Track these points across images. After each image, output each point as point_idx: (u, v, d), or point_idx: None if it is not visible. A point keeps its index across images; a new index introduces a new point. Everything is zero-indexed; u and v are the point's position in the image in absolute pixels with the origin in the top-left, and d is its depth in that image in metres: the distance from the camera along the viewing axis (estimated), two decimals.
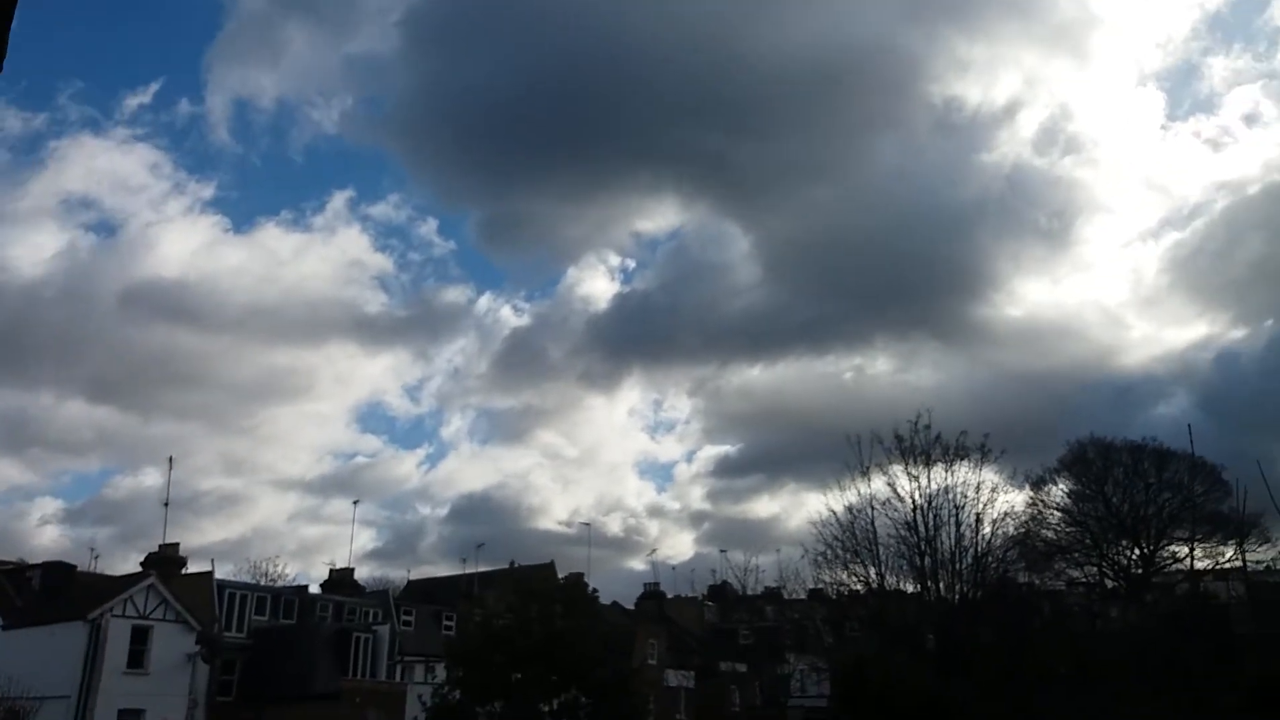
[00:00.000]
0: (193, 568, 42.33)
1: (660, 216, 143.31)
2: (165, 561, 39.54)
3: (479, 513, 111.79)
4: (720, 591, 71.47)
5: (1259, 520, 42.81)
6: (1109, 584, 50.24)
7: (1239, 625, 39.22)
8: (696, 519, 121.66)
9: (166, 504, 42.15)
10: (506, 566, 57.46)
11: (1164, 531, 49.35)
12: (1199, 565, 48.74)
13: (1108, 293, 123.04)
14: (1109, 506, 49.42)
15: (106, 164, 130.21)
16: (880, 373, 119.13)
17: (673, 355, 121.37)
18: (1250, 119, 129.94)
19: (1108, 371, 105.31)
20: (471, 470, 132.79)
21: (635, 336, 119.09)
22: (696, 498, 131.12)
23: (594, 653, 34.16)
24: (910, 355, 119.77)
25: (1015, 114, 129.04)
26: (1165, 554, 49.83)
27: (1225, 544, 47.69)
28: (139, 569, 40.08)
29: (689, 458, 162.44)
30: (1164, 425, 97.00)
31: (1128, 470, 49.29)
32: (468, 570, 57.03)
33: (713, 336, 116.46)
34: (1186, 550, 49.19)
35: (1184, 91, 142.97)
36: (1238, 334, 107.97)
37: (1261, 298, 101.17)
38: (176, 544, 41.58)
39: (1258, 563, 46.86)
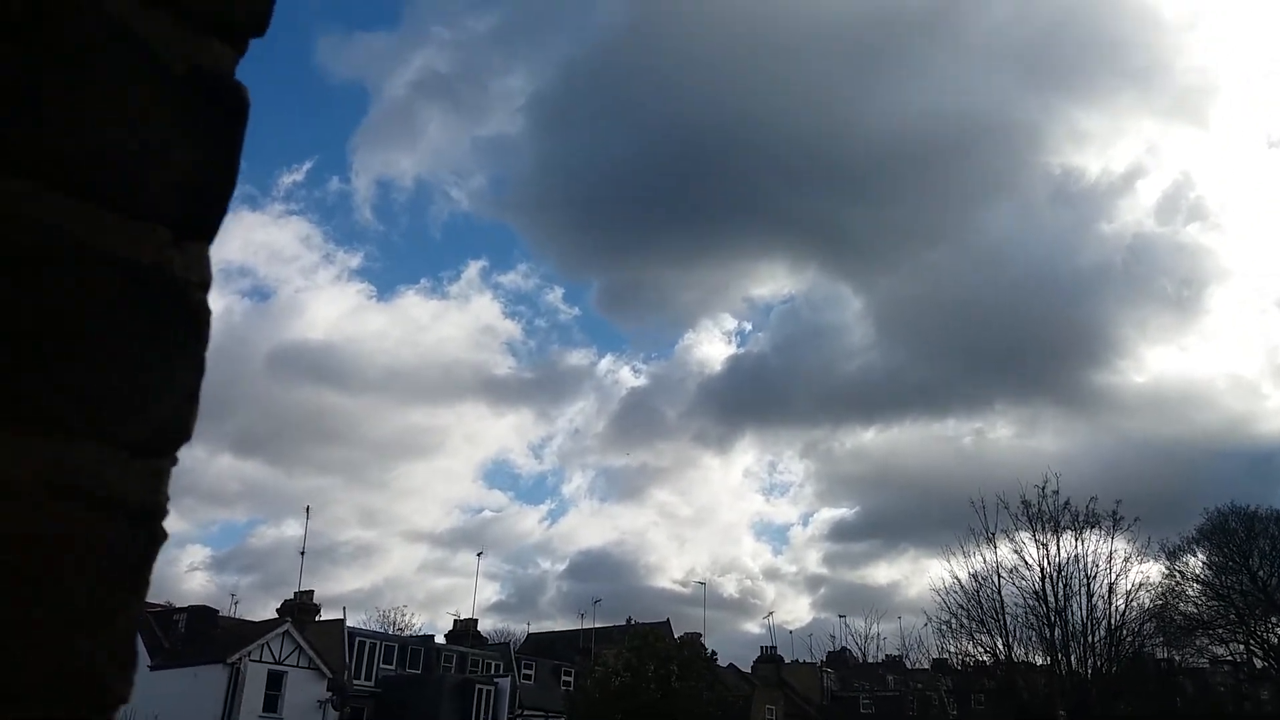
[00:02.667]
0: (326, 615, 44.11)
1: (772, 280, 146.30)
2: (300, 609, 41.33)
3: (597, 569, 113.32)
4: (839, 658, 69.98)
5: None
6: (1258, 663, 47.25)
7: None
8: (813, 583, 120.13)
9: (303, 552, 44.21)
10: (623, 623, 57.73)
11: None
12: None
13: (1239, 360, 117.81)
14: (1254, 580, 46.66)
15: (263, 236, 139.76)
16: (1000, 437, 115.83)
17: (786, 417, 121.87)
18: None
19: (1242, 440, 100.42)
20: (590, 527, 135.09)
21: (748, 398, 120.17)
22: (813, 561, 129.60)
23: (709, 714, 33.99)
24: (1032, 421, 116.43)
25: (1135, 182, 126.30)
26: None
27: None
28: (275, 615, 42.01)
29: (804, 520, 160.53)
30: None
31: (1274, 541, 46.58)
32: (585, 625, 57.58)
33: (826, 398, 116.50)
34: None
35: None
36: None
37: None
38: (311, 591, 43.46)
39: None
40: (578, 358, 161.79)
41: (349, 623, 43.92)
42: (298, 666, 38.52)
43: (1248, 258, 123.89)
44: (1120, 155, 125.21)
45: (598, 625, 56.71)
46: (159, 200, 0.93)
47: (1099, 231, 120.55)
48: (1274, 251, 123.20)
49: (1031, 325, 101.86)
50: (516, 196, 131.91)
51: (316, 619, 42.56)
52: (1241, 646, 47.88)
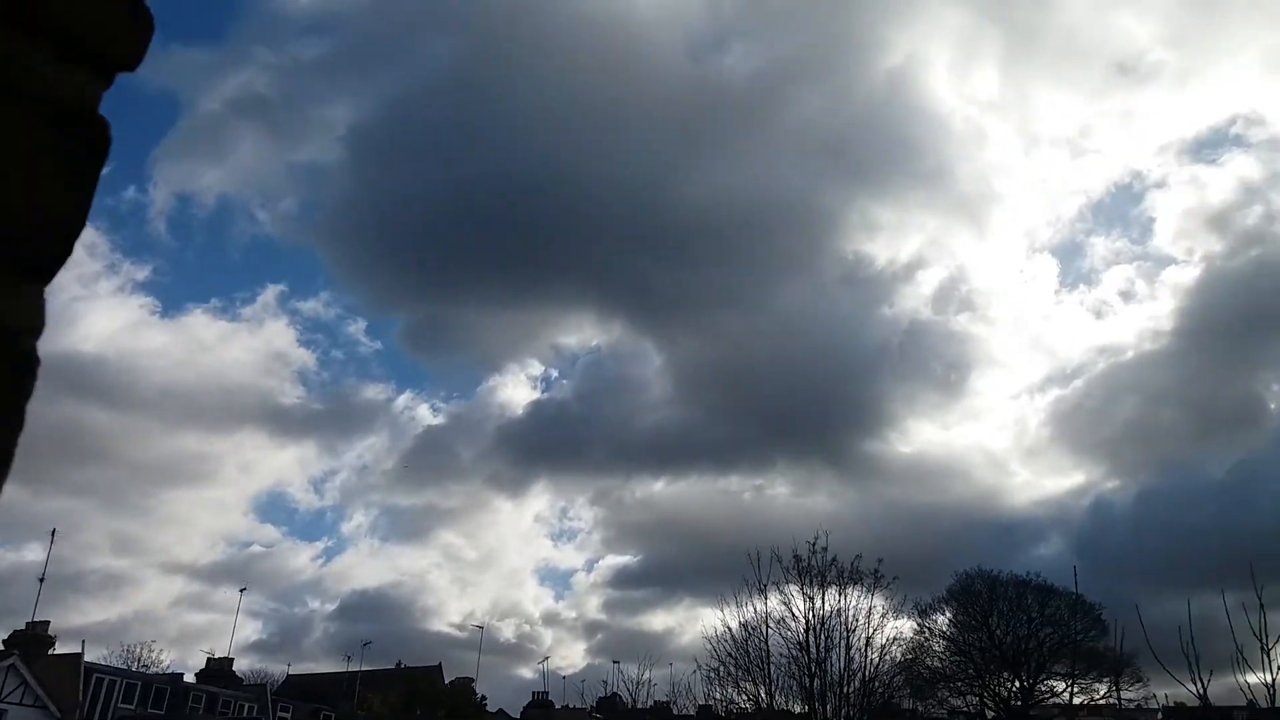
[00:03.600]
0: (62, 648, 40.15)
1: (580, 331, 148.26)
2: (32, 640, 37.47)
3: (370, 610, 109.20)
4: (609, 704, 70.20)
5: (1133, 660, 44.43)
6: (989, 714, 51.12)
7: None
8: (591, 629, 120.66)
9: (42, 579, 40.21)
10: (393, 667, 55.76)
11: (1043, 665, 50.66)
12: (1075, 700, 50.05)
13: (994, 440, 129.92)
14: (992, 638, 50.64)
15: None
16: (779, 494, 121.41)
17: (582, 465, 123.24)
18: (1126, 295, 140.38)
19: (992, 512, 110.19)
20: (368, 567, 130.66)
21: (547, 443, 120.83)
22: (593, 607, 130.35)
23: None
24: (808, 481, 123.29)
25: (916, 272, 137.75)
26: (1044, 687, 51.08)
27: (1100, 680, 49.17)
28: (0, 647, 37.88)
29: (589, 566, 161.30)
30: (1042, 565, 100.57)
31: (1012, 603, 50.78)
32: (351, 668, 55.16)
33: (621, 449, 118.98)
34: (1064, 685, 50.54)
35: (1070, 265, 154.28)
36: (1111, 485, 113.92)
37: (1133, 454, 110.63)
38: (46, 622, 39.53)
39: (1129, 700, 48.34)
40: (374, 392, 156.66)
41: (88, 657, 40.18)
42: (21, 704, 34.80)
43: (1007, 349, 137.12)
44: (905, 247, 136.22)
45: (365, 668, 54.47)
46: (1, 239, 0.87)
47: (881, 314, 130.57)
48: (1029, 344, 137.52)
49: (814, 393, 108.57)
50: (327, 224, 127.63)
51: (50, 652, 38.69)
52: (976, 699, 51.70)
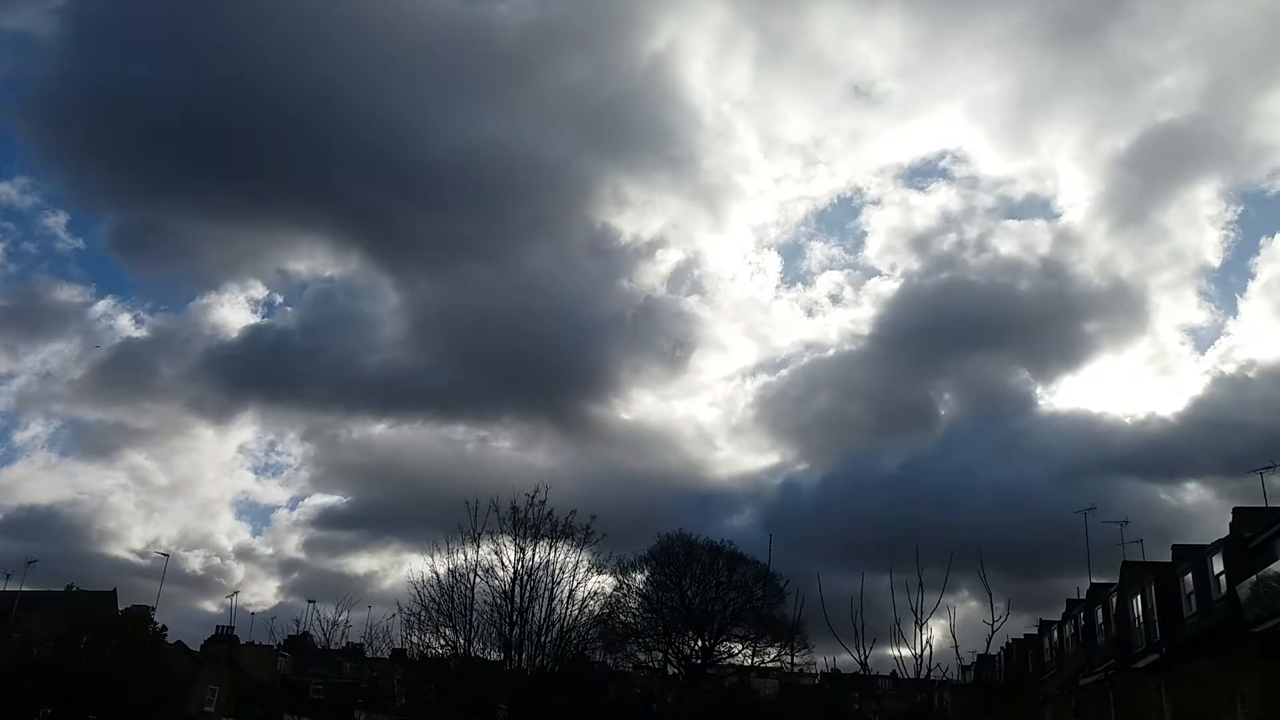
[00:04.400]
0: None
1: (312, 258, 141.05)
2: None
3: (40, 529, 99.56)
4: (300, 643, 68.14)
5: (804, 627, 48.65)
6: (671, 670, 54.37)
7: (770, 716, 44.06)
8: (288, 567, 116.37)
9: None
10: (61, 590, 51.05)
11: (725, 628, 54.45)
12: (749, 662, 54.26)
13: (706, 415, 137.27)
14: (684, 598, 53.80)
15: None
16: (502, 447, 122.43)
17: (298, 398, 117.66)
18: (835, 298, 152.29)
19: (696, 481, 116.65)
20: (41, 481, 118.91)
21: (262, 372, 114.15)
22: (293, 545, 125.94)
23: (146, 694, 31.17)
24: (532, 437, 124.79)
25: (656, 251, 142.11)
26: (723, 648, 54.95)
27: (773, 645, 53.54)
28: None
29: (294, 504, 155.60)
30: (735, 534, 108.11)
31: (705, 567, 54.12)
32: (10, 588, 49.96)
33: (343, 386, 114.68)
34: (741, 647, 54.62)
35: (791, 264, 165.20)
36: (801, 467, 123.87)
37: (823, 442, 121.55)
38: None
39: (797, 664, 53.02)
40: (69, 294, 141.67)
41: None
42: None
43: (728, 333, 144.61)
44: (650, 225, 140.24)
45: (26, 589, 49.52)
46: None
47: (620, 286, 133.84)
48: (747, 332, 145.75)
49: (547, 353, 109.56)
50: (32, 102, 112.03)
51: None
52: (661, 655, 54.81)
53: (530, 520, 34.07)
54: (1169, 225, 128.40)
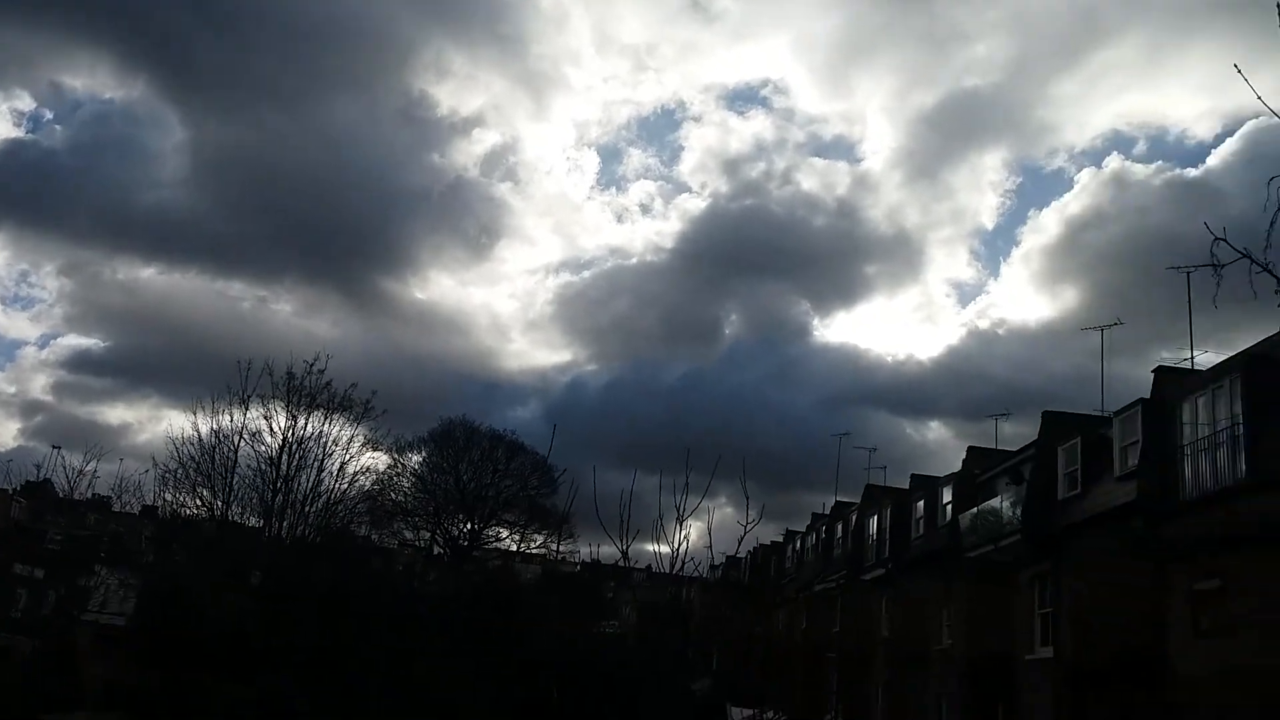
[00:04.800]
0: None
1: (92, 76, 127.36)
2: None
3: None
4: (39, 489, 63.81)
5: (571, 518, 50.08)
6: (437, 550, 54.93)
7: (530, 600, 45.39)
8: (30, 409, 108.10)
9: None
10: None
11: (495, 513, 55.37)
12: (516, 548, 55.54)
13: (504, 306, 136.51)
14: (459, 482, 54.15)
15: None
16: (283, 310, 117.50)
17: (59, 227, 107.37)
18: (645, 208, 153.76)
19: (486, 370, 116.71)
20: None
21: (19, 193, 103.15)
22: (38, 387, 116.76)
23: None
24: (317, 304, 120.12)
25: (473, 130, 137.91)
26: (491, 533, 55.94)
27: (539, 533, 54.97)
28: None
29: (44, 342, 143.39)
30: (518, 424, 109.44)
31: (484, 454, 54.57)
32: None
33: (113, 221, 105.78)
34: (508, 533, 55.79)
35: (608, 167, 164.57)
36: (591, 368, 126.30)
37: (615, 346, 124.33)
38: None
39: (559, 553, 54.66)
40: None
41: None
42: None
43: (537, 227, 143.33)
44: (470, 102, 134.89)
45: None
46: None
47: (430, 160, 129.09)
48: (556, 228, 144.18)
49: (343, 218, 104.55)
50: None
51: None
52: (429, 535, 55.20)
53: (306, 389, 33.13)
54: (955, 185, 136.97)
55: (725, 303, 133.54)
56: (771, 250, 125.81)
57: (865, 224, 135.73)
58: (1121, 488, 22.87)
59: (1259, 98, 5.80)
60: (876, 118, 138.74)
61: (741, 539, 12.98)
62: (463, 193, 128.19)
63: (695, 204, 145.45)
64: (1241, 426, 19.12)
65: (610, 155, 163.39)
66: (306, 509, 33.25)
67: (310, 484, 33.18)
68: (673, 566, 12.90)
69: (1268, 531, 17.61)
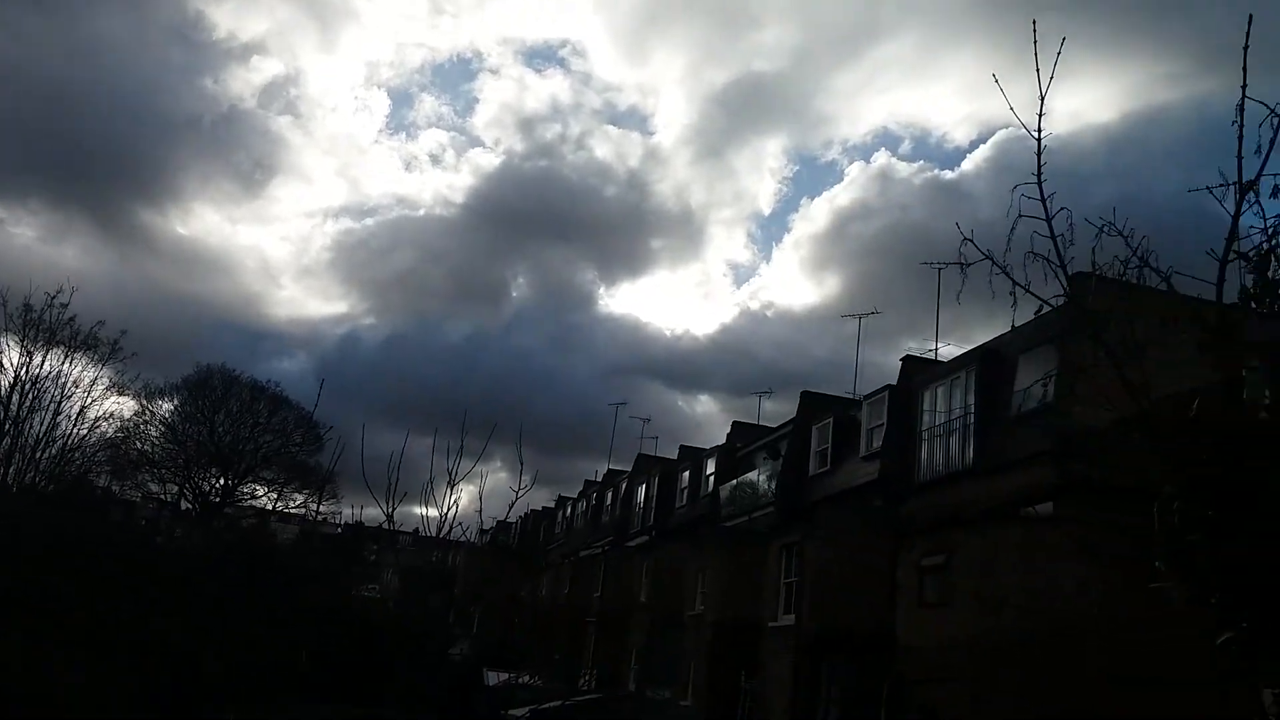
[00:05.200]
0: None
1: None
2: None
3: None
4: None
5: (335, 477, 48.40)
6: (184, 504, 51.68)
7: (285, 561, 43.71)
8: None
9: None
10: None
11: (253, 469, 52.67)
12: (273, 506, 53.10)
13: (276, 249, 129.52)
14: (214, 434, 51.04)
15: None
16: (23, 235, 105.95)
17: None
18: (435, 159, 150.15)
19: (251, 317, 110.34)
20: None
21: None
22: None
23: None
24: (62, 229, 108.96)
25: (253, 56, 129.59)
26: (246, 490, 53.20)
27: (300, 492, 52.83)
28: None
29: None
30: (283, 376, 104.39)
31: (244, 405, 51.64)
32: None
33: None
34: (266, 490, 53.26)
35: (398, 112, 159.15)
36: (368, 322, 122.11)
37: (397, 301, 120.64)
38: None
39: (320, 513, 52.78)
40: None
41: None
42: None
43: (318, 167, 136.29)
44: (251, 26, 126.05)
45: None
46: None
47: (203, 85, 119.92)
48: (338, 170, 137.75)
49: (99, 138, 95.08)
50: None
51: None
52: (177, 488, 51.80)
53: (45, 323, 30.29)
54: (739, 168, 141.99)
55: (514, 264, 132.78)
56: (562, 216, 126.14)
57: (654, 198, 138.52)
58: (866, 467, 24.68)
59: (1011, 109, 6.38)
60: (671, 91, 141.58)
61: (513, 504, 13.07)
62: (237, 123, 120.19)
63: (488, 160, 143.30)
64: (972, 416, 21.08)
65: (401, 99, 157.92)
66: (38, 455, 30.54)
67: (45, 428, 30.46)
68: (439, 530, 12.84)
69: (987, 513, 19.55)
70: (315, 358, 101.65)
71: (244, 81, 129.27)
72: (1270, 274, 5.82)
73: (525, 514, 56.87)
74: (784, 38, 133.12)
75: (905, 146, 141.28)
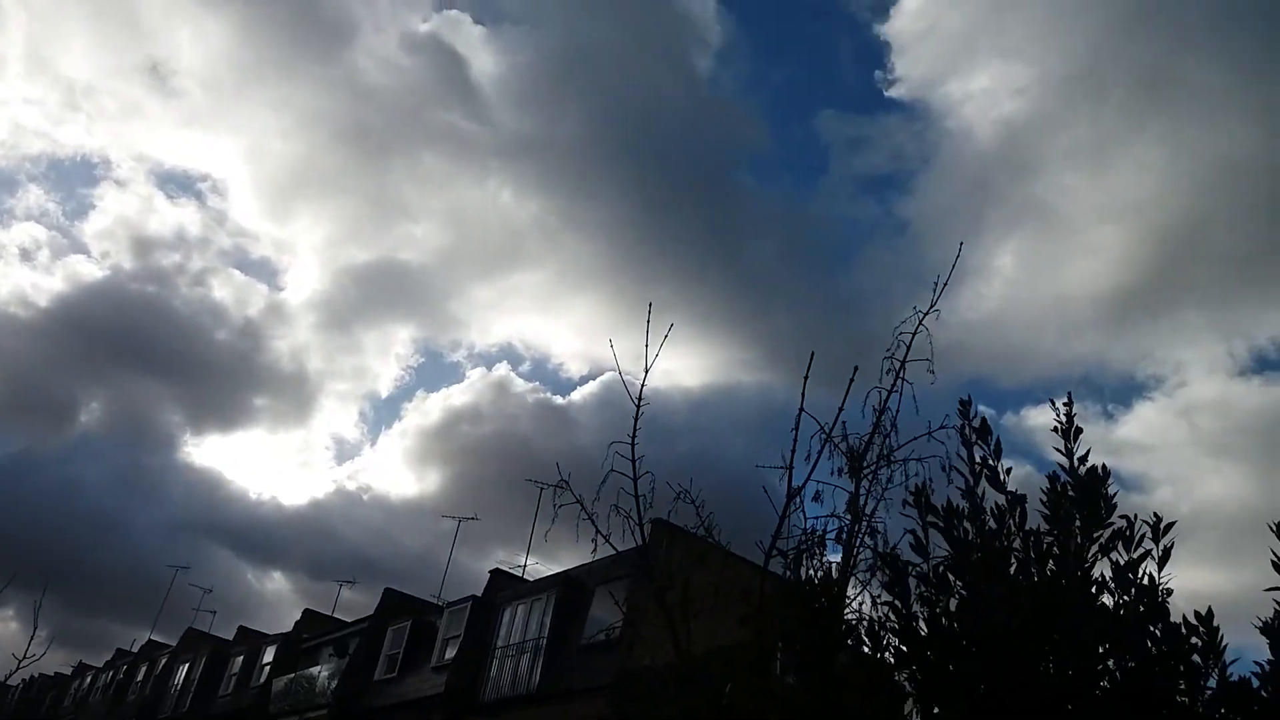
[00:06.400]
0: None
1: None
2: None
3: None
4: None
5: None
6: None
7: None
8: None
9: None
10: None
11: None
12: None
13: None
14: None
15: None
16: None
17: None
18: (26, 254, 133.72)
19: None
20: None
21: None
22: None
23: None
24: None
25: None
26: None
27: None
28: None
29: None
30: None
31: None
32: None
33: None
34: None
35: None
36: None
37: None
38: None
39: None
40: None
41: None
42: None
43: None
44: None
45: None
46: None
47: None
48: None
49: None
50: None
51: None
52: None
53: None
54: (366, 345, 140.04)
55: (89, 386, 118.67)
56: (160, 347, 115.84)
57: (268, 353, 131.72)
58: (434, 679, 24.05)
59: (619, 372, 7.19)
60: (309, 254, 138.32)
61: (14, 671, 11.25)
62: None
63: (89, 270, 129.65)
64: (545, 640, 21.52)
65: (4, 183, 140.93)
66: None
67: None
68: None
69: None
70: None
71: None
72: (802, 574, 6.82)
73: (32, 677, 48.51)
74: (433, 236, 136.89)
75: (525, 366, 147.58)
